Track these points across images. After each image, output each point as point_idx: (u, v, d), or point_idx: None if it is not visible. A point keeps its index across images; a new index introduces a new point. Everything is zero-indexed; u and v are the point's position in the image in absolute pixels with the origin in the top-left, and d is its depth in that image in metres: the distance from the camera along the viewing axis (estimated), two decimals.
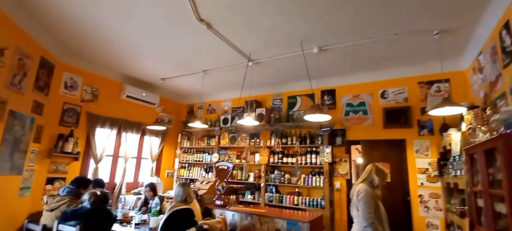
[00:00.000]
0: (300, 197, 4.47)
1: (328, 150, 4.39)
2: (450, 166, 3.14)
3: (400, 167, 4.19)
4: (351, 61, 4.08)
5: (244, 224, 3.32)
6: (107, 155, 4.85)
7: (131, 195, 4.69)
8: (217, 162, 4.08)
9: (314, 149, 4.59)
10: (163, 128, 4.89)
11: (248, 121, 3.89)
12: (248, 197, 4.96)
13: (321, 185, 4.35)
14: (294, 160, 4.65)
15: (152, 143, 5.72)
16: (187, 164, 6.05)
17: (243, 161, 5.18)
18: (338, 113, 4.69)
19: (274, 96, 5.46)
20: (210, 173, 5.57)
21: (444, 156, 3.56)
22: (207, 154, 5.81)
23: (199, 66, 4.55)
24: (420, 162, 3.92)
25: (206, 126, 5.05)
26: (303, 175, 4.60)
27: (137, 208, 3.70)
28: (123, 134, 5.15)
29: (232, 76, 4.87)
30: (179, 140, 6.19)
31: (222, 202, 3.64)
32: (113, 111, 5.01)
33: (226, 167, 3.91)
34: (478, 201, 2.37)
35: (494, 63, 2.83)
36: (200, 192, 3.87)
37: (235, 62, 4.25)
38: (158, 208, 2.79)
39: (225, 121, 5.48)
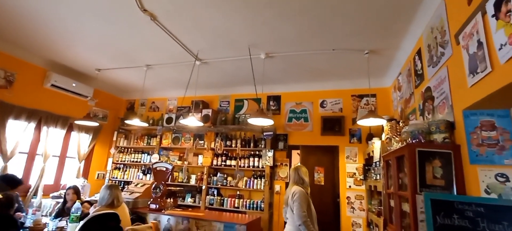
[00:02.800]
0: (241, 200, 4.50)
1: (270, 153, 4.53)
2: (372, 171, 3.55)
3: (332, 171, 4.56)
4: (295, 70, 4.30)
5: (179, 229, 3.18)
6: (20, 152, 4.14)
7: (49, 199, 4.09)
8: (155, 163, 3.84)
9: (257, 152, 4.69)
10: (95, 124, 4.41)
11: (192, 121, 3.77)
12: (189, 200, 4.78)
13: (262, 188, 4.46)
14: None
15: (81, 141, 5.09)
16: (122, 165, 5.55)
17: (185, 162, 4.99)
18: (282, 119, 4.89)
19: (222, 98, 5.42)
20: (148, 175, 5.22)
21: (368, 162, 4.01)
22: (146, 154, 5.43)
23: (142, 59, 4.24)
24: (349, 167, 4.33)
25: (145, 125, 4.72)
26: (245, 178, 4.64)
27: (54, 213, 3.23)
28: (44, 128, 4.47)
29: (179, 73, 4.67)
30: (115, 139, 5.65)
31: (157, 206, 3.43)
32: (33, 101, 4.32)
33: (164, 169, 3.71)
34: (391, 201, 2.72)
35: (409, 83, 3.30)
36: (134, 195, 3.59)
37: (182, 60, 4.09)
38: (78, 213, 2.48)
39: (169, 120, 5.22)
